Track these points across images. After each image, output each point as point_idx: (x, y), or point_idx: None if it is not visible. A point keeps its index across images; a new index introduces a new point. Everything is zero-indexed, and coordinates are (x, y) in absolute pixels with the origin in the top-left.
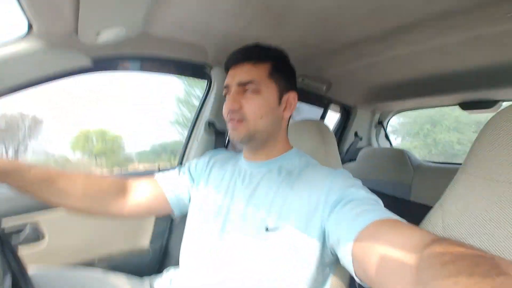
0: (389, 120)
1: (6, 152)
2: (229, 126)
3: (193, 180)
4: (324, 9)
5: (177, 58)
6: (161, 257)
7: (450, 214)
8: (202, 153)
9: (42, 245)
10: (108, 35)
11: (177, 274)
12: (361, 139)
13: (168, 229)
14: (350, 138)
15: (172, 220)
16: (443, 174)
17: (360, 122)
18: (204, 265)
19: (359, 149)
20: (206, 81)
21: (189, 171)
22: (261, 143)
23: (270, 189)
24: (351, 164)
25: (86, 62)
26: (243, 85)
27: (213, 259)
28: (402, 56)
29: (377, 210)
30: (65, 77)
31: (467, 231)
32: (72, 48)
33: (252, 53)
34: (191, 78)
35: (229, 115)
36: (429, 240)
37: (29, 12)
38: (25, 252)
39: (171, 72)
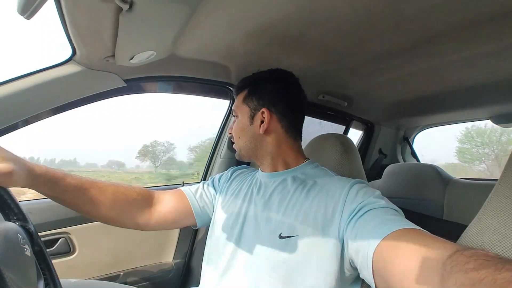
0: (415, 136)
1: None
2: None
3: (216, 193)
4: (342, 26)
5: (202, 79)
6: (184, 273)
7: (490, 229)
8: (225, 168)
9: (73, 257)
10: (140, 58)
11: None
12: (385, 156)
13: (191, 246)
14: (374, 156)
15: (195, 238)
16: (478, 191)
17: (384, 139)
18: (223, 275)
19: (384, 166)
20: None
21: (213, 184)
22: (253, 159)
23: (284, 197)
24: (376, 182)
25: (120, 83)
26: (234, 116)
27: (231, 268)
28: (426, 69)
29: (398, 220)
30: (103, 99)
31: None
32: (109, 70)
33: (236, 88)
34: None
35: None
36: (453, 250)
37: (74, 39)
38: (56, 262)
39: (197, 93)
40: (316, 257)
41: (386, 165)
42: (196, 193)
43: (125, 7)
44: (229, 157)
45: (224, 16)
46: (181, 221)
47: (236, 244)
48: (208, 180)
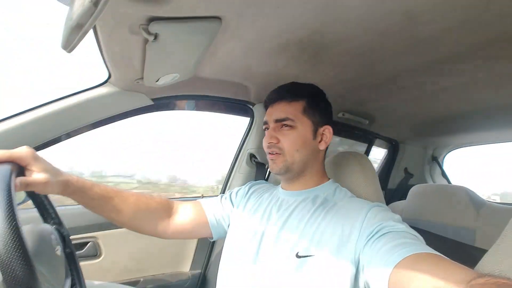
0: (445, 156)
1: None
2: (269, 158)
3: (233, 207)
4: (361, 46)
5: (223, 97)
6: (200, 284)
7: (509, 255)
8: (244, 183)
9: (99, 260)
10: (165, 80)
11: None
12: (412, 176)
13: (208, 257)
14: (399, 175)
15: (212, 250)
16: None
17: (411, 158)
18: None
19: (411, 187)
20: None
21: (230, 198)
22: (297, 174)
23: (303, 216)
24: (401, 203)
25: (148, 102)
26: (279, 122)
27: (247, 283)
28: (451, 87)
29: (416, 244)
30: (132, 116)
31: None
32: (138, 91)
33: (287, 92)
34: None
35: (267, 149)
36: (472, 276)
37: (109, 65)
38: (83, 264)
39: (219, 111)
40: (331, 278)
41: (413, 186)
42: (213, 206)
43: (151, 38)
44: (247, 172)
45: (241, 41)
46: (197, 232)
47: (253, 260)
48: (226, 193)
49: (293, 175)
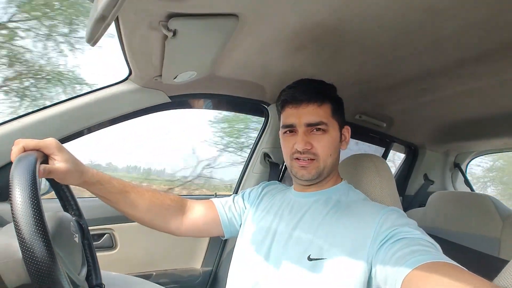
0: (468, 162)
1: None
2: (297, 164)
3: (245, 207)
4: (380, 44)
5: (238, 96)
6: (211, 281)
7: None
8: (257, 182)
9: (114, 252)
10: (183, 77)
11: None
12: (432, 183)
13: (219, 255)
14: (418, 181)
15: (223, 248)
16: None
17: (431, 164)
18: None
19: (430, 194)
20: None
21: (243, 198)
22: (322, 178)
23: (316, 219)
24: (420, 210)
25: (166, 99)
26: (312, 126)
27: (258, 285)
28: (475, 89)
29: (432, 252)
30: (151, 112)
31: None
32: (157, 88)
33: (318, 94)
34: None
35: (296, 154)
36: None
37: (130, 61)
38: (99, 255)
39: (234, 110)
40: (342, 282)
41: (432, 193)
42: (225, 205)
43: (170, 34)
44: (261, 171)
45: (258, 39)
46: (209, 230)
47: (264, 261)
48: (239, 193)
49: (321, 180)
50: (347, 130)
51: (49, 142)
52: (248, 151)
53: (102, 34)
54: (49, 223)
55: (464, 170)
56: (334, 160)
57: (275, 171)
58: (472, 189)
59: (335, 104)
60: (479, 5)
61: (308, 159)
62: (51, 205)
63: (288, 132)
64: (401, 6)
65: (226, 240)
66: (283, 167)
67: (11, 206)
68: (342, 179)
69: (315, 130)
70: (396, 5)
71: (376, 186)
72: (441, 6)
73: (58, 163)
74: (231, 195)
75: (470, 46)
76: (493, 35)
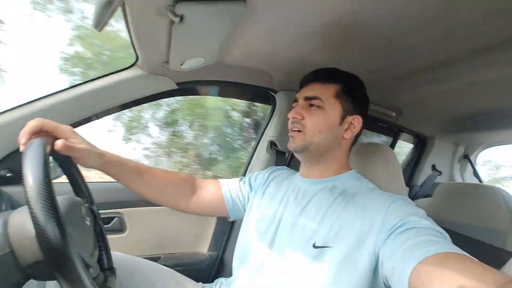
0: (477, 154)
1: None
2: (289, 135)
3: (251, 190)
4: (391, 32)
5: (246, 84)
6: (217, 265)
7: None
8: (263, 169)
9: (124, 235)
10: (190, 63)
11: (228, 283)
12: (440, 173)
13: (226, 240)
14: (426, 172)
15: (230, 232)
16: None
17: (440, 155)
18: (253, 276)
19: (437, 185)
20: (270, 105)
21: (250, 182)
22: (315, 157)
23: (321, 206)
24: (427, 200)
25: (173, 86)
26: (308, 100)
27: (262, 270)
28: (488, 80)
29: (442, 242)
30: (158, 99)
31: None
32: (164, 74)
33: (323, 74)
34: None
35: (291, 124)
36: (503, 281)
37: (137, 47)
38: (110, 237)
39: (241, 97)
40: (348, 271)
41: (440, 184)
42: (230, 186)
43: (177, 19)
44: (267, 159)
45: (266, 26)
46: (215, 210)
47: (269, 247)
48: (246, 176)
49: (310, 156)
50: (357, 120)
51: (65, 128)
52: None
53: (108, 19)
54: (61, 206)
55: (473, 162)
56: (324, 139)
57: (281, 159)
58: (480, 181)
59: (344, 87)
60: None
61: (296, 130)
62: (63, 189)
63: (293, 107)
64: None
65: (232, 225)
66: (289, 155)
67: (24, 189)
68: (350, 168)
69: (311, 105)
70: None
71: (382, 176)
72: None
73: (77, 144)
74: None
75: (485, 36)
76: (510, 24)
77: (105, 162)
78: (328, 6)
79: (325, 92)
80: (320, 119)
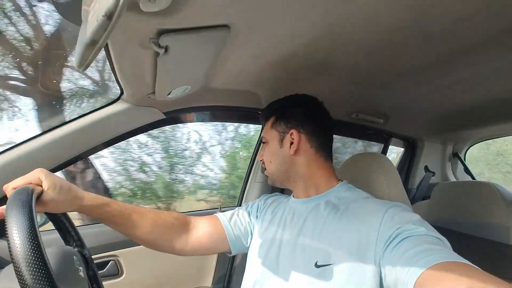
0: (466, 151)
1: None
2: None
3: (250, 220)
4: (370, 44)
5: (234, 106)
6: None
7: None
8: (260, 192)
9: (121, 279)
10: (177, 92)
11: None
12: (433, 174)
13: (229, 271)
14: (420, 174)
15: (233, 263)
16: None
17: (430, 156)
18: None
19: (433, 185)
20: (260, 125)
21: (247, 212)
22: (286, 182)
23: (317, 224)
24: (425, 203)
25: (161, 116)
26: (263, 143)
27: None
28: (467, 79)
29: (442, 251)
30: (146, 131)
31: None
32: (151, 105)
33: (263, 116)
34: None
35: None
36: None
37: (121, 81)
38: (106, 283)
39: (230, 120)
40: (353, 287)
41: (436, 184)
42: (230, 220)
43: (161, 51)
44: (264, 180)
45: (250, 49)
46: (216, 247)
47: (273, 273)
48: (242, 207)
49: (282, 182)
50: (294, 133)
51: (35, 173)
52: None
53: (93, 59)
54: (52, 261)
55: (463, 159)
56: (278, 166)
57: None
58: (473, 177)
59: (277, 116)
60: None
61: (265, 169)
62: (50, 237)
63: None
64: (389, 5)
65: (234, 255)
66: None
67: (9, 248)
68: (340, 180)
69: (264, 144)
70: (384, 5)
71: (382, 184)
72: (430, 3)
73: (47, 193)
74: (234, 208)
75: (461, 38)
76: (483, 26)
77: (82, 206)
78: (309, 25)
79: (267, 129)
80: (267, 152)
